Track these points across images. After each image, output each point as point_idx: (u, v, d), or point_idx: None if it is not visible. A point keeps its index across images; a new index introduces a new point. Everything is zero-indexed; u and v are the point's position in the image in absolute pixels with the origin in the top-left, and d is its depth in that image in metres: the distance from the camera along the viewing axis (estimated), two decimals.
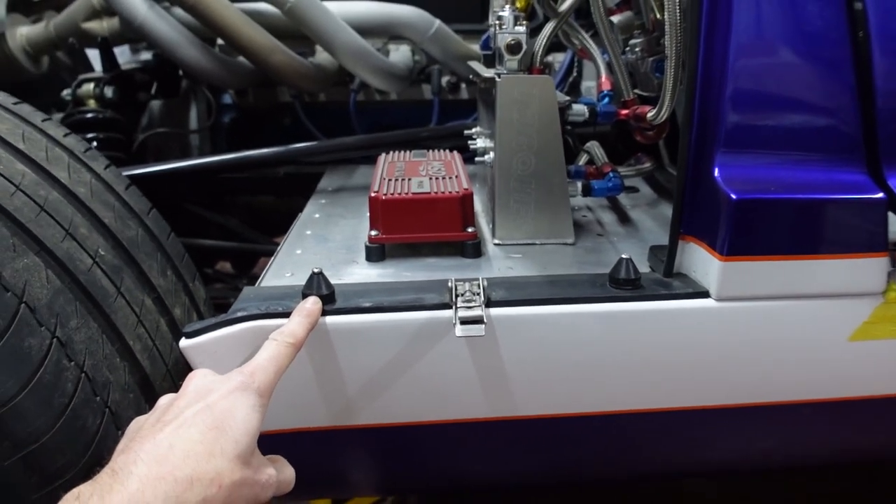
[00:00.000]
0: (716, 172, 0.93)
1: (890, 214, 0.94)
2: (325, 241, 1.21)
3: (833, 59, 0.94)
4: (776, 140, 0.95)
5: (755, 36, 0.93)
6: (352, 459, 1.13)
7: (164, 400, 0.75)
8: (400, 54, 1.88)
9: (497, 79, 1.12)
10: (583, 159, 1.47)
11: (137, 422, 0.75)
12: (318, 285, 0.92)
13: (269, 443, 0.79)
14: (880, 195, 0.94)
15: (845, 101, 0.95)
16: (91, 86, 1.65)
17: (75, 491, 0.60)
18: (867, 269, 0.96)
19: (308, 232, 1.27)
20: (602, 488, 1.93)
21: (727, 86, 0.93)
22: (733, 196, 0.90)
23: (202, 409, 0.69)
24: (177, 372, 1.00)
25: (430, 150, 1.41)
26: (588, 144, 1.47)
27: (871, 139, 0.96)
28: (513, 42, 1.15)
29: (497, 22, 1.18)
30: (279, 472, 0.74)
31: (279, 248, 1.19)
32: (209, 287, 1.86)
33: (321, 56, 1.82)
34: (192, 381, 0.74)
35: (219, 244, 1.80)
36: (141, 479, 0.61)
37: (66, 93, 1.69)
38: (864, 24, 0.93)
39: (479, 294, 0.91)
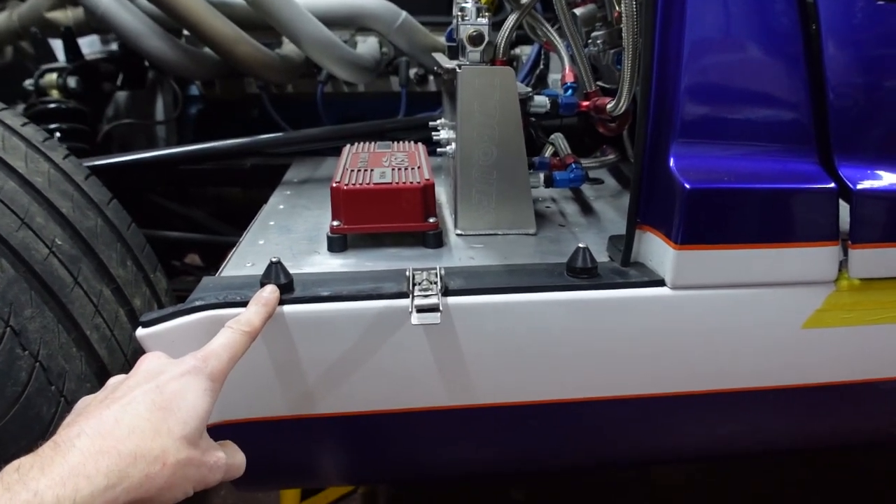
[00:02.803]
0: (671, 163, 0.95)
1: (841, 204, 0.96)
2: (288, 231, 1.21)
3: (786, 52, 0.96)
4: (730, 131, 0.97)
5: (709, 29, 0.94)
6: (314, 449, 1.13)
7: (115, 380, 0.75)
8: (367, 46, 1.88)
9: (458, 70, 1.12)
10: (548, 151, 1.49)
11: (85, 400, 0.74)
12: (275, 275, 0.92)
13: (231, 432, 0.79)
14: (832, 185, 0.96)
15: (798, 93, 0.97)
16: (54, 76, 1.64)
17: (16, 463, 0.60)
18: (819, 258, 0.97)
19: (271, 223, 1.27)
20: (574, 478, 1.95)
21: (682, 78, 0.94)
22: (686, 185, 0.91)
23: (152, 389, 0.69)
24: (136, 362, 0.99)
25: (395, 142, 1.41)
26: (552, 136, 1.48)
27: (823, 130, 0.97)
28: (475, 34, 1.15)
29: (460, 13, 1.19)
30: (229, 457, 0.74)
31: (241, 238, 1.19)
32: (178, 279, 1.86)
33: (287, 47, 1.81)
34: (144, 363, 0.74)
35: (186, 236, 1.80)
36: (83, 453, 0.61)
37: (28, 83, 1.67)
38: (815, 18, 0.95)
39: (436, 283, 0.91)
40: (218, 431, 0.76)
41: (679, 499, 1.93)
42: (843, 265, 0.99)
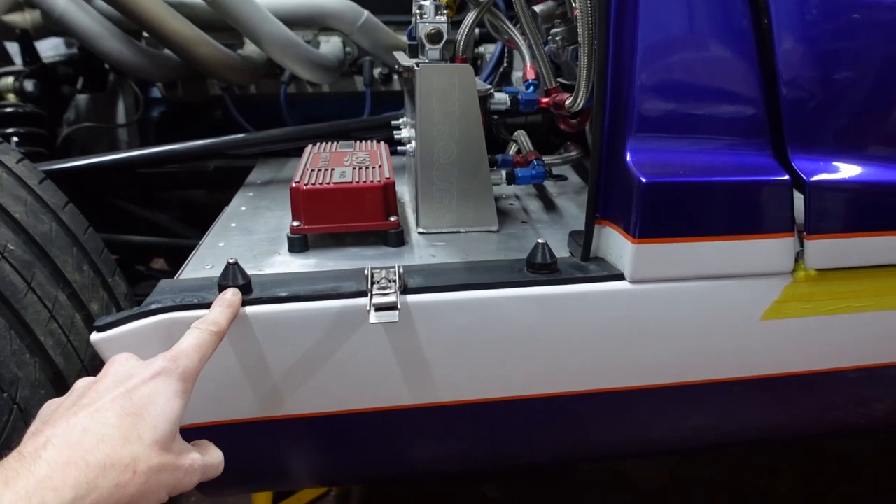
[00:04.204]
0: (627, 157, 0.95)
1: (796, 196, 0.98)
2: (249, 233, 1.20)
3: (738, 47, 0.97)
4: (686, 125, 0.98)
5: (663, 25, 0.95)
6: (282, 450, 1.12)
7: (82, 383, 0.73)
8: (331, 46, 1.87)
9: (416, 68, 1.12)
10: (512, 149, 1.49)
11: (50, 405, 0.72)
12: (233, 276, 0.91)
13: (197, 436, 0.78)
14: (786, 177, 0.97)
15: (751, 87, 0.98)
16: (10, 79, 1.61)
17: None
18: (775, 250, 0.99)
19: (233, 224, 1.26)
20: (547, 475, 1.96)
21: (637, 74, 0.95)
22: (643, 179, 0.92)
23: (121, 395, 0.67)
24: (93, 367, 0.98)
25: (358, 141, 1.41)
26: (515, 133, 1.48)
27: (776, 123, 0.99)
28: (433, 31, 1.15)
29: (418, 12, 1.19)
30: (205, 456, 0.72)
31: (202, 240, 1.18)
32: (143, 284, 1.84)
33: (250, 48, 1.80)
34: (113, 366, 0.72)
35: (151, 240, 1.77)
36: (50, 464, 0.59)
37: None
38: (766, 13, 0.96)
39: (394, 281, 0.91)
40: (185, 435, 0.75)
41: (655, 497, 1.94)
42: (799, 256, 1.01)
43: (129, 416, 0.65)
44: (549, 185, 1.48)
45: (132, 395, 0.67)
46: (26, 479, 0.57)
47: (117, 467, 0.62)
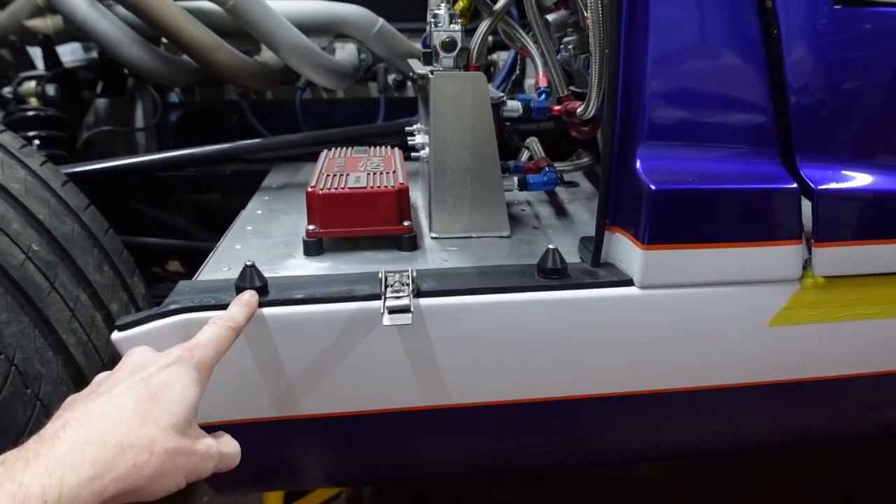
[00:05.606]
0: (637, 164, 0.97)
1: (804, 204, 0.99)
2: (265, 236, 1.23)
3: (748, 56, 0.98)
4: (695, 133, 0.99)
5: (673, 34, 0.97)
6: (295, 450, 1.14)
7: (101, 376, 0.75)
8: (345, 52, 1.90)
9: (430, 76, 1.14)
10: (524, 155, 1.51)
11: (73, 397, 0.73)
12: (250, 278, 0.93)
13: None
14: (794, 185, 0.98)
15: (760, 96, 0.99)
16: (32, 84, 1.64)
17: (0, 457, 0.59)
18: (783, 257, 1.00)
19: (249, 228, 1.28)
20: (556, 478, 1.97)
21: (647, 82, 0.96)
22: (652, 187, 0.94)
23: (137, 382, 0.69)
24: (113, 365, 0.99)
25: (372, 147, 1.43)
26: (528, 140, 1.50)
27: (785, 132, 1.00)
28: (447, 39, 1.17)
29: (433, 20, 1.21)
30: (222, 446, 0.74)
31: (219, 243, 1.20)
32: (159, 286, 1.86)
33: (266, 54, 1.83)
34: (131, 357, 0.74)
35: (166, 242, 1.80)
36: (69, 444, 0.60)
37: (6, 90, 1.67)
38: (775, 23, 0.97)
39: (408, 284, 0.93)
40: None
41: (660, 500, 1.95)
42: (807, 263, 1.02)
43: (146, 401, 0.67)
44: (561, 192, 1.49)
45: (149, 382, 0.69)
46: (46, 458, 0.59)
47: (134, 448, 0.63)
